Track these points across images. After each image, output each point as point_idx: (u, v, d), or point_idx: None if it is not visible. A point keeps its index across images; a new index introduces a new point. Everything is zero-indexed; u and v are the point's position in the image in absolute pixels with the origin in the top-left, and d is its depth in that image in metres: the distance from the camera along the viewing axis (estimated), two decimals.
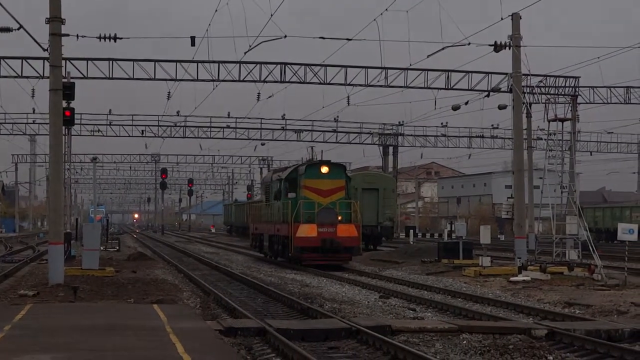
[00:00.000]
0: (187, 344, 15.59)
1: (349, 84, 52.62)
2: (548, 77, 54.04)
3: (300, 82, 52.00)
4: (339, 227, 40.59)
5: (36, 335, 16.59)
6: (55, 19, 29.20)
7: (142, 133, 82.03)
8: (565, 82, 54.30)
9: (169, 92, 56.73)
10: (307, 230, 40.45)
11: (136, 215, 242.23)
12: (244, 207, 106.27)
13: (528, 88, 50.80)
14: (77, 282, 29.04)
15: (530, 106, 52.00)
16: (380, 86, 52.47)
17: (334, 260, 40.74)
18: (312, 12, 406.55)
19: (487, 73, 51.63)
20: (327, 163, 42.72)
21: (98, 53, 49.90)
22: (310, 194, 41.30)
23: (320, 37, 42.59)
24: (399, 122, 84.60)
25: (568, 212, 37.14)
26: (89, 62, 49.84)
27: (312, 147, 50.87)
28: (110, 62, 50.18)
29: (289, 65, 51.76)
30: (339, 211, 41.09)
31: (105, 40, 38.98)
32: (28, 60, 48.58)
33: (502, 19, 36.41)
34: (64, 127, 36.29)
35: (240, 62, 50.71)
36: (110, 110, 79.91)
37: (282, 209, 42.83)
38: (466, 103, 51.63)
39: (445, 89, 52.08)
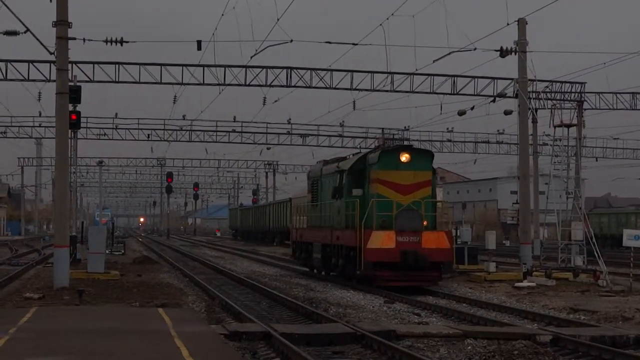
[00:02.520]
0: (192, 348, 15.60)
1: (355, 89, 52.56)
2: (554, 83, 53.98)
3: (306, 87, 51.97)
4: (424, 236, 31.02)
5: (41, 339, 16.61)
6: (61, 23, 29.28)
7: (148, 137, 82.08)
8: (571, 87, 54.22)
9: (175, 96, 56.79)
10: (382, 240, 30.70)
11: (142, 219, 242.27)
12: (249, 211, 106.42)
13: (534, 93, 50.75)
14: (82, 285, 29.06)
15: (536, 112, 51.94)
16: (386, 91, 52.40)
17: (417, 280, 31.15)
18: (318, 17, 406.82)
19: (493, 78, 51.55)
20: (408, 149, 33.04)
21: (104, 57, 49.96)
22: (386, 190, 31.72)
23: (326, 42, 42.60)
24: (405, 127, 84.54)
25: (573, 218, 37.13)
26: (96, 65, 49.87)
27: (382, 129, 46.43)
28: (117, 65, 50.20)
29: (295, 70, 51.75)
30: (424, 214, 31.82)
31: (111, 44, 39.03)
32: (34, 64, 48.62)
33: (508, 24, 36.44)
34: (70, 131, 36.32)
35: (246, 67, 50.70)
36: (116, 114, 80.00)
37: (345, 210, 33.32)
38: (472, 108, 51.62)
39: (451, 94, 52.00)
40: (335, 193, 34.53)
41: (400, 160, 31.83)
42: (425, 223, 31.54)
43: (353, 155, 36.57)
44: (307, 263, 40.53)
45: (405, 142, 55.88)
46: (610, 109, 58.40)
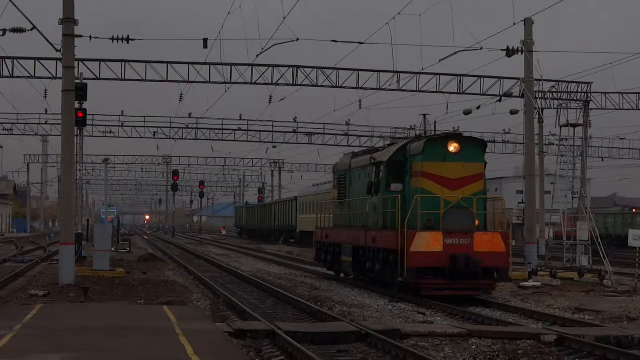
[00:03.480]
0: (197, 346, 15.62)
1: (361, 88, 52.56)
2: (560, 83, 53.92)
3: (312, 85, 52.00)
4: (477, 238, 27.30)
5: (46, 335, 16.64)
6: (68, 20, 29.30)
7: (154, 135, 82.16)
8: (578, 87, 54.16)
9: (181, 94, 56.81)
10: (427, 242, 26.93)
11: (147, 217, 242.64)
12: (255, 209, 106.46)
13: (540, 93, 50.69)
14: (88, 282, 29.11)
15: (542, 111, 51.90)
16: (392, 90, 52.39)
17: (469, 288, 27.26)
18: (325, 15, 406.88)
19: (499, 78, 51.51)
20: (457, 137, 29.20)
21: (111, 54, 50.13)
22: (432, 184, 27.96)
23: (332, 41, 42.59)
24: (411, 126, 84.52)
25: (579, 218, 37.10)
26: (102, 63, 49.93)
27: (424, 115, 40.98)
28: (123, 63, 50.25)
29: (301, 68, 51.76)
30: (476, 212, 28.10)
31: (118, 42, 39.08)
32: (41, 61, 48.68)
33: (514, 24, 36.41)
34: (76, 128, 36.36)
35: (252, 65, 50.72)
36: (122, 112, 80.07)
37: (383, 208, 29.44)
38: (478, 108, 51.57)
39: (457, 93, 51.98)
40: (370, 188, 30.63)
41: (448, 150, 28.06)
42: (477, 223, 27.86)
43: (389, 145, 32.17)
44: (333, 267, 36.55)
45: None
46: (616, 109, 58.32)
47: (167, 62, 51.14)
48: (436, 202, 27.53)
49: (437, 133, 31.02)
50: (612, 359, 16.83)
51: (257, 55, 42.81)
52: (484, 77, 51.78)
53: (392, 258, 27.89)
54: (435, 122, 35.83)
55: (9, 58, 48.82)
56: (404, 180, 29.05)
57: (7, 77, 49.09)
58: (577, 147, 39.07)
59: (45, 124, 79.31)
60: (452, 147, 28.13)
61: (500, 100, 51.34)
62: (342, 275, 35.89)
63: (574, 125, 38.17)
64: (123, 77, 50.38)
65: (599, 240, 34.96)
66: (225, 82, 51.47)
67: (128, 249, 58.85)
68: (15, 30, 33.13)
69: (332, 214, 36.92)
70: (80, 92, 35.72)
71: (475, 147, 28.84)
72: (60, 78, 30.52)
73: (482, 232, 27.66)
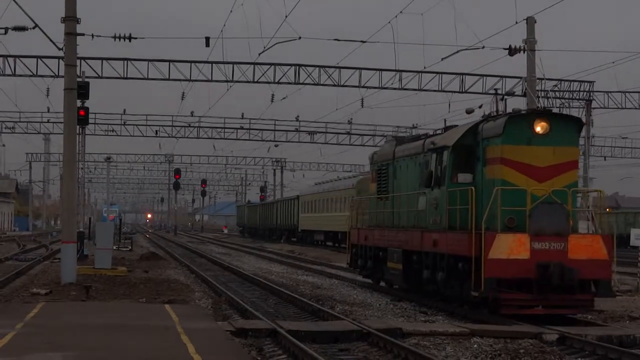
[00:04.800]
0: (198, 344, 15.62)
1: (363, 86, 52.63)
2: (562, 82, 53.93)
3: (314, 84, 52.05)
4: (572, 242, 21.74)
5: (47, 334, 16.64)
6: (70, 18, 29.30)
7: (156, 133, 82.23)
8: (580, 86, 54.18)
9: (183, 93, 56.90)
10: (510, 247, 21.41)
11: (149, 215, 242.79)
12: (256, 208, 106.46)
13: (542, 92, 50.71)
14: (90, 281, 29.11)
15: None
16: (395, 89, 52.46)
17: (563, 306, 21.80)
18: (327, 14, 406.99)
19: (502, 77, 51.56)
20: (547, 115, 23.30)
21: (112, 54, 50.19)
22: (514, 174, 22.42)
23: (334, 39, 42.60)
24: (413, 125, 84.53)
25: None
26: (104, 61, 49.97)
27: (495, 91, 35.67)
28: (125, 62, 50.30)
29: (303, 67, 51.79)
30: (571, 210, 22.47)
31: (119, 40, 39.10)
32: (43, 59, 48.74)
33: (516, 22, 36.38)
34: (78, 127, 36.37)
35: (254, 63, 50.78)
36: (124, 110, 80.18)
37: (448, 203, 23.64)
38: (480, 106, 51.47)
39: (459, 92, 52.03)
40: (428, 180, 25.02)
41: (534, 130, 22.54)
42: (571, 222, 22.38)
43: (462, 126, 25.59)
44: (374, 274, 30.77)
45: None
46: (619, 108, 58.35)
47: (169, 61, 51.20)
48: (520, 196, 21.97)
49: (516, 110, 24.52)
50: (613, 358, 16.81)
51: (259, 54, 42.92)
52: (486, 75, 51.85)
53: (463, 266, 22.42)
54: (505, 99, 27.95)
55: (11, 56, 48.90)
56: (475, 170, 23.65)
57: (9, 75, 49.20)
58: (580, 146, 38.99)
59: (47, 122, 79.49)
60: (540, 127, 22.58)
61: (502, 99, 51.30)
62: (384, 284, 30.28)
63: None
64: (125, 76, 50.46)
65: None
66: (227, 81, 51.55)
67: (130, 247, 58.84)
68: (17, 29, 33.13)
69: (369, 212, 31.53)
70: (82, 90, 35.68)
71: (568, 126, 23.03)
72: (62, 76, 30.52)
73: (579, 235, 22.33)
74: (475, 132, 23.97)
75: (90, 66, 49.15)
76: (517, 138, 22.50)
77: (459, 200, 23.07)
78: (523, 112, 24.43)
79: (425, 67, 47.42)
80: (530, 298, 21.38)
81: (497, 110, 25.14)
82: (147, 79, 51.01)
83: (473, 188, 22.62)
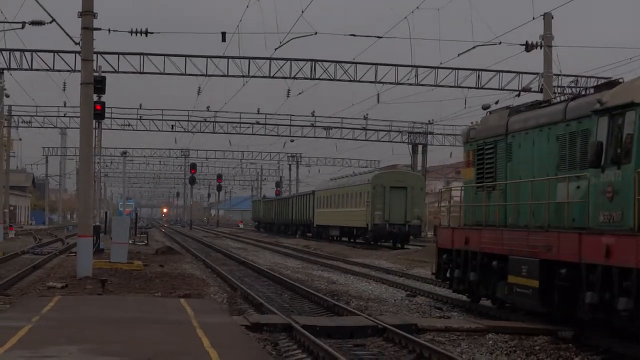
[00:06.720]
0: (213, 339, 15.64)
1: (379, 82, 52.59)
2: (579, 78, 53.74)
3: (330, 80, 52.04)
4: None
5: (63, 327, 16.70)
6: (87, 13, 29.36)
7: (172, 128, 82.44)
8: (597, 82, 53.94)
9: (199, 87, 56.97)
10: None
11: (165, 210, 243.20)
12: (272, 203, 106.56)
13: (559, 88, 50.54)
14: (105, 275, 29.20)
15: None
16: (411, 84, 52.39)
17: None
18: (343, 9, 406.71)
19: (518, 73, 51.42)
20: None
21: (129, 50, 50.27)
22: None
23: (350, 35, 42.59)
24: (429, 121, 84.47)
25: None
26: (121, 56, 50.08)
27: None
28: (142, 56, 50.39)
29: (319, 62, 51.79)
30: None
31: (136, 35, 39.17)
32: (60, 54, 48.90)
33: (533, 18, 36.30)
34: (94, 121, 36.46)
35: (270, 59, 50.79)
36: (140, 105, 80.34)
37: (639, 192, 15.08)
38: (496, 102, 51.35)
39: (475, 88, 51.95)
40: (596, 156, 16.45)
41: None
42: None
43: (612, 82, 18.14)
44: (478, 290, 22.84)
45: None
46: None
47: (186, 56, 51.26)
48: None
49: None
50: (629, 354, 16.71)
51: (276, 49, 42.96)
52: (503, 71, 51.71)
53: None
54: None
55: (28, 51, 49.06)
56: None
57: (26, 69, 49.37)
58: None
59: (64, 116, 79.77)
60: None
61: (519, 95, 51.19)
62: (490, 302, 22.87)
63: None
64: (142, 70, 50.56)
65: None
66: (243, 76, 51.59)
67: (145, 241, 58.97)
68: (34, 23, 33.27)
69: (463, 206, 24.51)
70: (98, 84, 35.73)
71: None
72: (79, 71, 30.61)
73: None
74: None
75: (106, 61, 49.29)
76: None
77: None
78: None
79: (441, 63, 47.36)
80: None
81: None
82: (164, 73, 51.10)
83: None
